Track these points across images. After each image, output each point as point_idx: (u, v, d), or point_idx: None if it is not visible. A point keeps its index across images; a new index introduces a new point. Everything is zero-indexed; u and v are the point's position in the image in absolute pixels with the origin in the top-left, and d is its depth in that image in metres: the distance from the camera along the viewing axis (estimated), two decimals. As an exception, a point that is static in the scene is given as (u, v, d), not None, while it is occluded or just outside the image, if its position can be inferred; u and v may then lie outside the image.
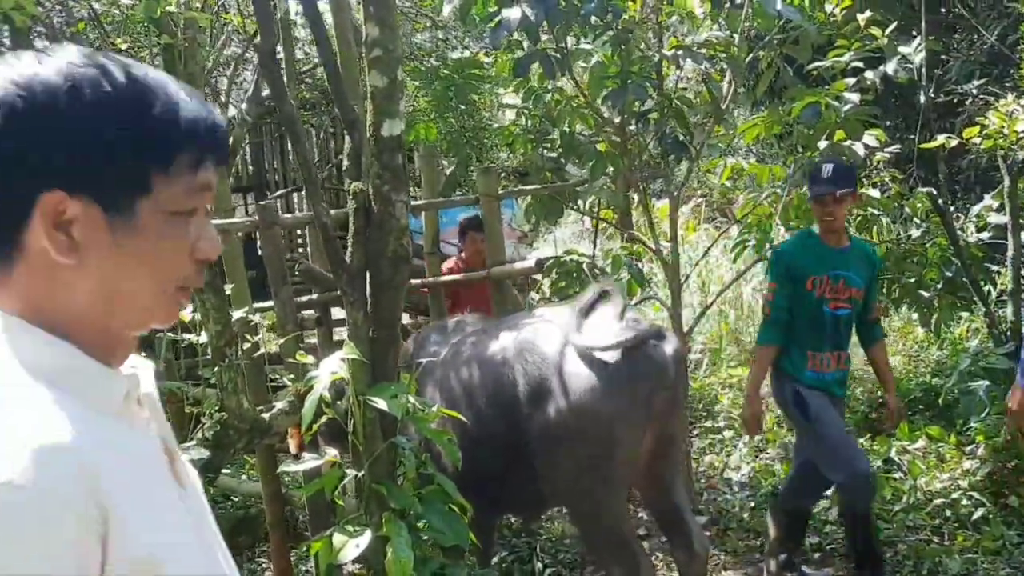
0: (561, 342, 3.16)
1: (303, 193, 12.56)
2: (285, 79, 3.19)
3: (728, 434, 5.76)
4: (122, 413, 0.91)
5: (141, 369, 0.99)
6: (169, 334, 3.24)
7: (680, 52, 4.47)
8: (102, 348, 0.90)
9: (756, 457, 5.41)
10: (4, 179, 0.84)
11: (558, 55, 4.37)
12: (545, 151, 5.20)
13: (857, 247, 3.82)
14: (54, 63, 0.85)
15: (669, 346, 3.10)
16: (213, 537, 1.01)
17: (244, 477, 5.48)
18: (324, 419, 2.65)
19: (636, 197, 6.72)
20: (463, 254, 5.50)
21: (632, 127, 4.86)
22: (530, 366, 3.15)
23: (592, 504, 3.14)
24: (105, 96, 0.86)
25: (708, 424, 5.98)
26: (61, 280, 0.86)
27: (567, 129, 5.06)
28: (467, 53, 6.60)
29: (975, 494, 4.22)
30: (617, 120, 4.89)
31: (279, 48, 3.42)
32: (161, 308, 0.94)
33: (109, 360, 0.91)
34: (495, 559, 4.21)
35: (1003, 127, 4.20)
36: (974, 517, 4.11)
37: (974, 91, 5.88)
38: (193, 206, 0.92)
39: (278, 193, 11.81)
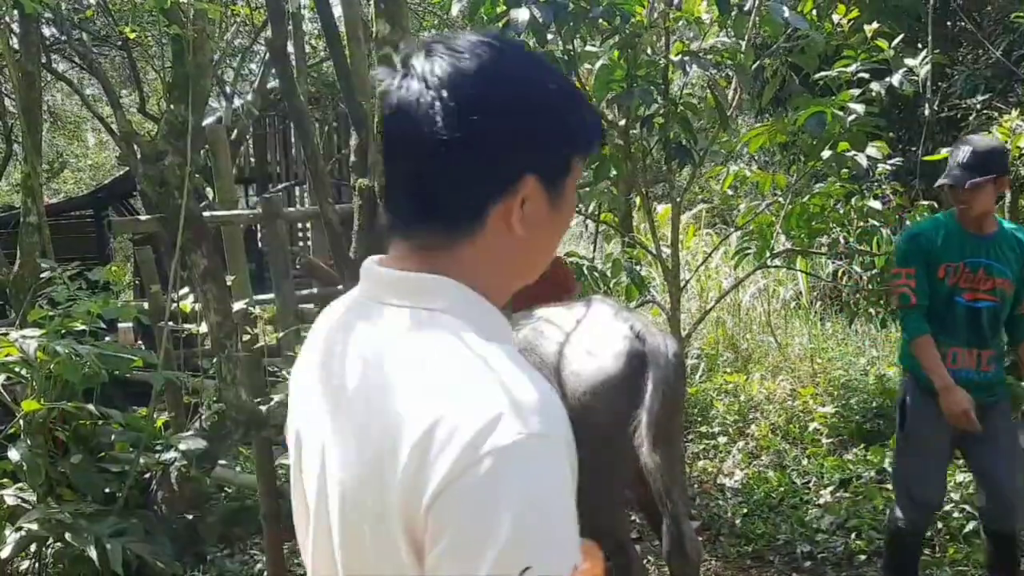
0: (559, 343, 3.17)
1: (305, 186, 12.58)
2: (295, 74, 3.19)
3: (722, 440, 5.77)
4: None
5: None
6: (169, 323, 3.24)
7: (687, 58, 4.48)
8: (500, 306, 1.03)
9: (750, 464, 5.42)
10: (500, 159, 0.94)
11: (565, 57, 4.39)
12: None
13: (1006, 233, 3.31)
14: (527, 63, 1.00)
15: (669, 349, 3.10)
16: None
17: (239, 468, 5.48)
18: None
19: (638, 201, 6.74)
20: None
21: (636, 131, 4.87)
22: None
23: (589, 506, 3.14)
24: (567, 94, 1.00)
25: (703, 429, 5.99)
26: (507, 250, 0.98)
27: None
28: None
29: (967, 507, 4.23)
30: (621, 123, 4.90)
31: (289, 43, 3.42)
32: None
33: None
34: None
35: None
36: (966, 530, 4.12)
37: (978, 106, 5.89)
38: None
39: (281, 186, 11.81)
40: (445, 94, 0.91)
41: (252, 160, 13.15)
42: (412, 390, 0.88)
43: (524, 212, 0.95)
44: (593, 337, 3.14)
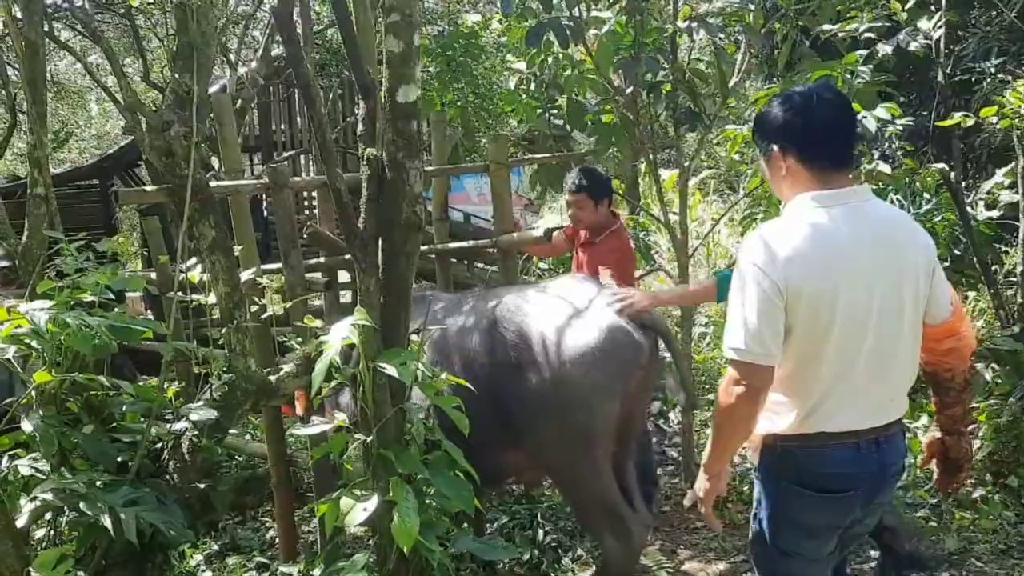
0: (543, 313, 3.25)
1: (310, 155, 12.53)
2: (302, 41, 3.15)
3: (730, 407, 5.77)
4: None
5: None
6: (179, 294, 3.24)
7: (694, 23, 4.42)
8: None
9: (757, 430, 5.43)
10: None
11: (571, 24, 4.33)
12: (552, 118, 5.16)
13: None
14: None
15: (647, 329, 3.23)
16: None
17: (248, 437, 5.52)
18: (334, 384, 2.67)
19: (643, 168, 6.68)
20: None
21: (643, 98, 4.82)
22: (510, 337, 3.21)
23: (576, 473, 3.21)
24: None
25: (710, 397, 6.00)
26: None
27: (575, 96, 5.02)
28: (478, 17, 6.53)
29: (975, 474, 4.25)
30: (628, 90, 4.85)
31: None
32: None
33: None
34: (495, 525, 4.26)
35: (1020, 107, 4.15)
36: (973, 496, 4.13)
37: (991, 69, 5.80)
38: None
39: (286, 155, 11.76)
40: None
41: (257, 129, 13.09)
42: (914, 228, 2.19)
43: None
44: (574, 310, 3.22)
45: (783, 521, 2.25)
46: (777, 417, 2.20)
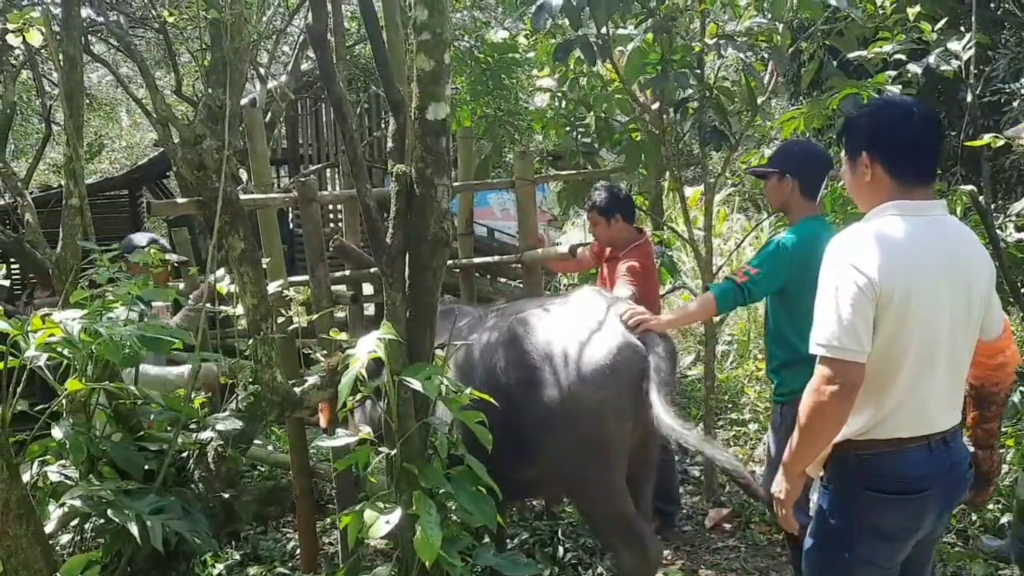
0: (555, 328, 3.26)
1: (336, 169, 12.63)
2: (335, 59, 3.20)
3: (753, 427, 5.74)
4: None
5: None
6: (207, 305, 3.28)
7: (722, 40, 4.43)
8: None
9: (781, 451, 5.39)
10: None
11: (599, 41, 4.35)
12: (579, 135, 5.19)
13: None
14: None
15: (662, 345, 3.22)
16: None
17: (271, 448, 5.56)
18: (359, 396, 2.69)
19: (666, 185, 6.68)
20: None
21: (670, 115, 4.83)
22: (523, 354, 3.23)
23: (589, 489, 3.23)
24: None
25: (733, 416, 5.97)
26: None
27: (602, 114, 5.04)
28: (505, 33, 6.57)
29: (1002, 499, 4.19)
30: (655, 107, 4.86)
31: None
32: None
33: None
34: (515, 541, 4.26)
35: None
36: (1001, 522, 4.07)
37: (1022, 90, 5.75)
38: None
39: (312, 168, 11.87)
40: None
41: (284, 142, 13.23)
42: (979, 245, 2.27)
43: None
44: (586, 327, 3.23)
45: (860, 528, 2.26)
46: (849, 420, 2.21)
